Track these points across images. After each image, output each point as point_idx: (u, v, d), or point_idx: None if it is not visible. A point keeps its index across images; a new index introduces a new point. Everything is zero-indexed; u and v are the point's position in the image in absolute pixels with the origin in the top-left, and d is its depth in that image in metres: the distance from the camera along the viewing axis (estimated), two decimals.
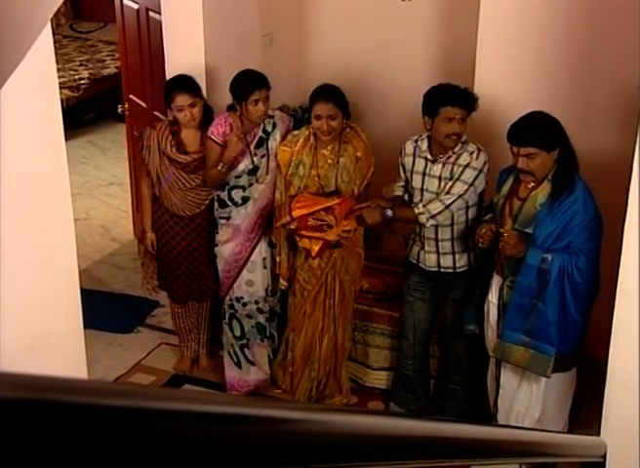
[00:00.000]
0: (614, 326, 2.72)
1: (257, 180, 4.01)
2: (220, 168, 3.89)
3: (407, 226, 3.79)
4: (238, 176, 4.00)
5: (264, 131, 3.98)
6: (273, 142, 4.00)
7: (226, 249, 4.10)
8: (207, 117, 4.03)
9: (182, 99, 3.89)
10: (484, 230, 3.46)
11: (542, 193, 3.34)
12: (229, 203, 4.04)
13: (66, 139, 2.45)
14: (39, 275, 2.40)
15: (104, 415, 0.57)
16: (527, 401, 3.56)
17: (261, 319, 4.21)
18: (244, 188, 4.03)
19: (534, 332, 3.39)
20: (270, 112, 3.97)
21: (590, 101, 3.87)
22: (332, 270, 3.93)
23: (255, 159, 3.99)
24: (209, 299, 4.38)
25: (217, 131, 3.92)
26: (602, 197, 3.41)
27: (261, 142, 3.99)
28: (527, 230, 3.36)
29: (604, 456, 2.38)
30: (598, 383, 3.07)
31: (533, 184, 3.36)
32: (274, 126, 4.01)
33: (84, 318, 2.62)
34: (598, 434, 2.75)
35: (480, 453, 1.49)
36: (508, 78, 4.05)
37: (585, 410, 3.62)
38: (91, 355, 3.05)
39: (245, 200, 4.03)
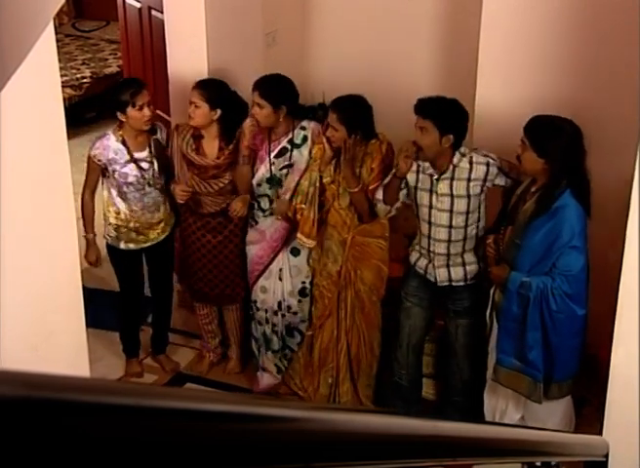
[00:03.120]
0: (616, 325, 2.72)
1: (279, 196, 4.00)
2: (240, 161, 3.94)
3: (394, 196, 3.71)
4: (259, 185, 4.00)
5: (291, 141, 3.96)
6: (299, 156, 3.95)
7: (251, 250, 4.12)
8: (229, 129, 4.01)
9: (192, 95, 3.93)
10: (489, 241, 3.50)
11: (530, 208, 3.33)
12: (256, 209, 4.07)
13: (68, 138, 2.45)
14: (41, 274, 2.40)
15: (106, 414, 0.57)
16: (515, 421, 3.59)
17: (268, 330, 4.21)
18: (270, 199, 4.01)
19: (522, 357, 3.39)
20: (304, 124, 3.97)
21: (593, 102, 3.86)
22: (343, 281, 3.92)
23: (272, 168, 3.97)
24: (228, 302, 4.37)
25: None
26: (604, 197, 3.40)
27: (284, 153, 3.97)
28: (517, 241, 3.36)
29: (606, 456, 2.37)
30: (600, 383, 3.07)
31: (533, 189, 3.34)
32: (305, 139, 3.97)
33: (86, 316, 2.62)
34: (600, 433, 2.75)
35: (482, 453, 1.49)
36: (510, 82, 4.04)
37: (588, 410, 3.62)
38: (93, 353, 3.05)
39: (272, 212, 4.04)
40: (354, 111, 3.70)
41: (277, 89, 3.87)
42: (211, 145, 4.05)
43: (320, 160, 3.82)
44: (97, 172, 4.03)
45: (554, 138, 3.23)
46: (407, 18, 4.72)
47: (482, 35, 4.00)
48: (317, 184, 3.83)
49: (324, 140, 3.76)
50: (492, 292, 3.53)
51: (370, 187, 3.77)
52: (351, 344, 4.02)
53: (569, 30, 3.87)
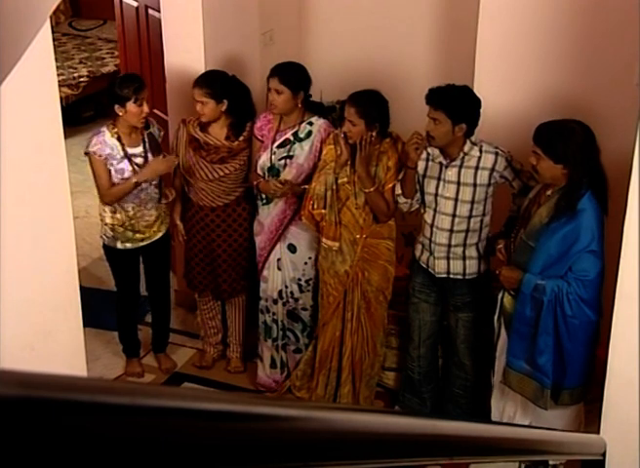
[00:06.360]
0: (613, 325, 2.72)
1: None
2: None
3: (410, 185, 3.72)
4: (261, 172, 4.03)
5: (295, 134, 3.98)
6: (300, 151, 3.97)
7: (256, 241, 4.18)
8: (240, 118, 4.05)
9: (196, 93, 3.95)
10: (499, 246, 3.48)
11: (547, 210, 3.28)
12: (257, 199, 4.12)
13: (66, 137, 2.45)
14: (39, 273, 2.39)
15: (104, 413, 0.57)
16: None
17: (268, 318, 4.23)
18: None
19: (532, 362, 3.35)
20: (312, 119, 3.99)
21: (592, 99, 3.86)
22: (350, 283, 3.92)
23: (273, 157, 3.99)
24: (228, 296, 4.39)
25: (256, 126, 4.05)
26: None
27: (286, 144, 3.99)
28: (530, 243, 3.32)
29: (604, 454, 2.38)
30: (598, 381, 3.07)
31: (548, 192, 3.33)
32: (309, 134, 3.98)
33: (83, 316, 2.62)
34: (598, 432, 2.75)
35: (480, 451, 1.49)
36: (508, 80, 4.04)
37: (585, 409, 3.62)
38: (90, 353, 3.05)
39: (269, 200, 4.06)
40: (373, 105, 3.70)
41: (295, 75, 3.91)
42: (219, 132, 4.07)
43: (335, 162, 3.80)
44: (103, 167, 3.95)
45: (568, 141, 3.17)
46: (404, 16, 4.72)
47: (479, 33, 4.00)
48: (334, 187, 3.81)
49: (339, 140, 3.73)
50: (500, 296, 3.50)
51: (387, 187, 3.78)
52: (356, 346, 4.02)
53: (567, 27, 3.87)
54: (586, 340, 3.31)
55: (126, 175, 3.98)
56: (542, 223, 3.27)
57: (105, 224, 4.12)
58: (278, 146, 3.99)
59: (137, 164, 3.99)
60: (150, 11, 4.77)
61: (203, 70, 4.24)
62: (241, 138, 4.07)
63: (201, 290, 4.39)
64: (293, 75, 3.88)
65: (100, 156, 3.94)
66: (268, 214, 4.08)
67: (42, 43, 2.17)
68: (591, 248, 3.19)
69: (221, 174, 4.07)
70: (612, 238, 2.97)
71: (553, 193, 3.29)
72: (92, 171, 4.00)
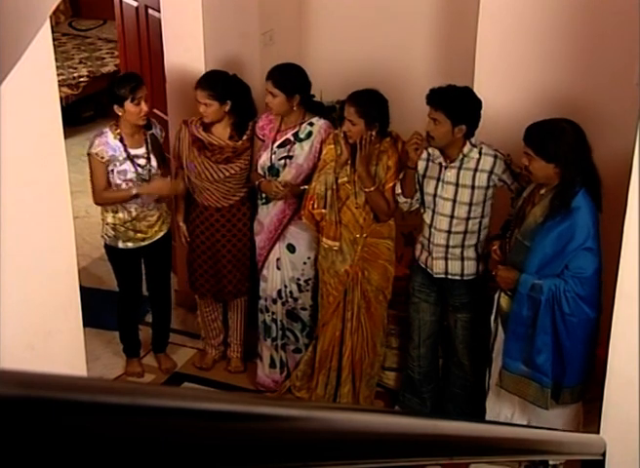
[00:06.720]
0: (613, 324, 2.72)
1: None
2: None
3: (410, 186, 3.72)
4: (261, 173, 4.03)
5: (296, 135, 3.98)
6: (300, 151, 3.97)
7: (256, 240, 4.19)
8: (242, 119, 4.06)
9: (199, 95, 3.96)
10: (494, 247, 3.48)
11: (541, 209, 3.29)
12: (257, 198, 4.13)
13: (66, 137, 2.45)
14: (39, 273, 2.39)
15: (104, 413, 0.57)
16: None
17: (267, 318, 4.23)
18: None
19: (530, 362, 3.35)
20: (313, 120, 3.99)
21: (591, 99, 3.86)
22: (350, 282, 3.92)
23: (273, 157, 4.00)
24: (230, 298, 4.40)
25: (258, 125, 4.06)
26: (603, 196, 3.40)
27: (286, 144, 3.99)
28: (525, 243, 3.32)
29: (604, 454, 2.38)
30: (598, 381, 3.07)
31: (542, 192, 3.33)
32: (309, 135, 3.99)
33: (83, 316, 2.62)
34: (598, 432, 2.75)
35: (480, 451, 1.49)
36: (508, 80, 4.04)
37: (585, 409, 3.62)
38: (90, 353, 3.05)
39: (268, 200, 4.07)
40: (372, 104, 3.70)
41: (290, 77, 3.90)
42: (222, 132, 4.08)
43: (335, 162, 3.80)
44: (102, 170, 3.95)
45: (558, 140, 3.18)
46: (404, 16, 4.72)
47: (479, 33, 4.00)
48: (334, 187, 3.82)
49: (340, 139, 3.73)
50: (496, 296, 3.50)
51: (387, 186, 3.78)
52: (356, 346, 4.02)
53: (567, 27, 3.87)
54: (585, 338, 3.32)
55: (129, 176, 3.97)
56: (537, 222, 3.28)
57: (107, 224, 4.12)
58: (278, 146, 3.99)
59: (139, 165, 3.99)
60: (150, 11, 4.77)
61: (203, 70, 4.24)
62: (244, 138, 4.07)
63: (202, 293, 4.39)
64: (287, 79, 3.88)
65: (103, 158, 3.94)
66: (268, 214, 4.09)
67: (42, 43, 2.17)
68: (587, 245, 3.19)
69: (227, 174, 4.08)
70: (612, 238, 2.96)
71: (547, 192, 3.29)
72: (90, 170, 4.01)
